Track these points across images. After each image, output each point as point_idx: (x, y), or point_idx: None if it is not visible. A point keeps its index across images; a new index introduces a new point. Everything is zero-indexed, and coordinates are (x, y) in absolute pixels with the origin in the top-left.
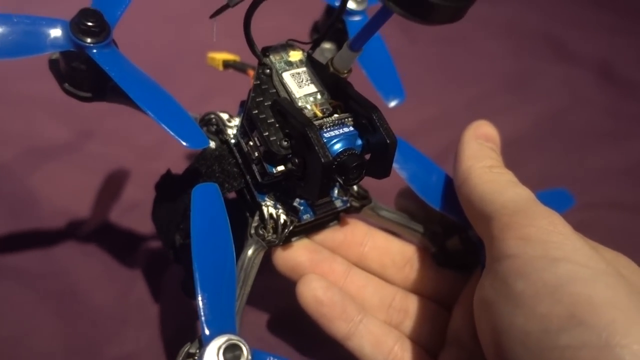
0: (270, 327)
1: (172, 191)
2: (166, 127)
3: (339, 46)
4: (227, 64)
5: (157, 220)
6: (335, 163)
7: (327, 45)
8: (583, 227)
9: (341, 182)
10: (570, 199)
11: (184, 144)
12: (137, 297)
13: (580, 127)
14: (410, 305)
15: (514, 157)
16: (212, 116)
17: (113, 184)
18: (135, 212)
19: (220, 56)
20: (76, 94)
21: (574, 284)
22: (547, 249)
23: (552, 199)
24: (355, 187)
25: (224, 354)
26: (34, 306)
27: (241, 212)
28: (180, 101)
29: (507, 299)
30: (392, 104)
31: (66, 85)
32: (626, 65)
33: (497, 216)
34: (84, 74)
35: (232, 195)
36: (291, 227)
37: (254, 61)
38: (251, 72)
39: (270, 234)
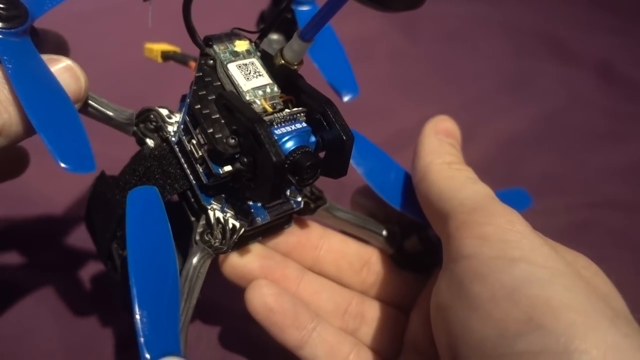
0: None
1: (107, 196)
2: (44, 139)
3: (288, 37)
4: (166, 56)
5: (90, 227)
6: (288, 162)
7: (274, 37)
8: (582, 227)
9: (294, 182)
10: (528, 199)
11: (62, 165)
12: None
13: (579, 127)
14: (367, 310)
15: (513, 157)
16: (151, 112)
17: None
18: None
19: (159, 47)
20: None
21: (531, 286)
22: (504, 249)
23: (510, 198)
24: (309, 187)
25: None
26: (34, 306)
27: (185, 216)
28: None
29: (463, 302)
30: (346, 98)
31: None
32: (625, 65)
33: (454, 214)
34: None
35: (174, 197)
36: (241, 232)
37: (196, 52)
38: (193, 64)
39: (217, 240)
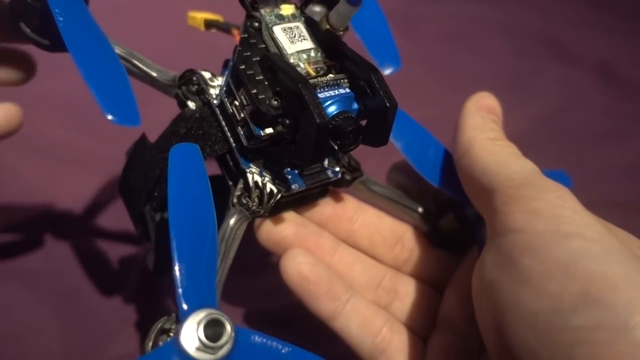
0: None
1: (145, 157)
2: (93, 90)
3: (329, 9)
4: (209, 24)
5: (125, 190)
6: (331, 126)
7: (316, 8)
8: None
9: (336, 147)
10: (568, 180)
11: (109, 116)
12: (138, 295)
13: (579, 127)
14: (400, 285)
15: None
16: (193, 74)
17: (113, 184)
18: None
19: (202, 15)
20: (35, 39)
21: (587, 260)
22: (557, 224)
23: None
24: (346, 158)
25: (204, 329)
26: (34, 306)
27: (221, 189)
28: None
29: (512, 276)
30: (387, 71)
31: (22, 25)
32: (625, 65)
33: (501, 189)
34: (36, 13)
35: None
36: (278, 197)
37: (238, 21)
38: (236, 32)
39: (254, 204)
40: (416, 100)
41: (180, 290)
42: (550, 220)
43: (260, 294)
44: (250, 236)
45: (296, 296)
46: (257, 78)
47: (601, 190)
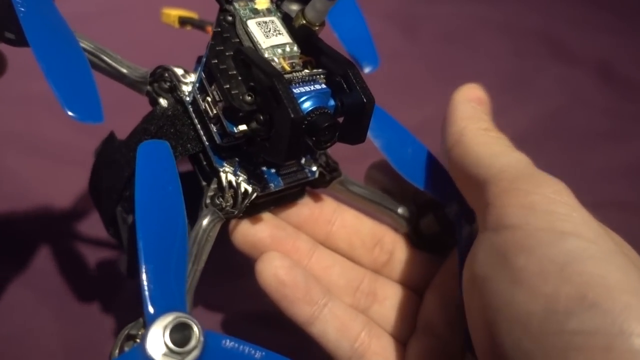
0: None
1: (115, 157)
2: (52, 86)
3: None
4: (183, 20)
5: (95, 191)
6: (306, 122)
7: (293, 7)
8: None
9: (312, 144)
10: None
11: (69, 113)
12: (137, 295)
13: (579, 127)
14: (379, 289)
15: None
16: (165, 71)
17: None
18: None
19: (176, 12)
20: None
21: (584, 262)
22: (552, 221)
23: None
24: (324, 158)
25: (170, 334)
26: (34, 306)
27: (193, 187)
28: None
29: (505, 274)
30: (366, 70)
31: None
32: (625, 65)
33: (494, 181)
34: (3, 6)
35: (181, 169)
36: (253, 197)
37: (212, 18)
38: (210, 29)
39: (228, 204)
40: (416, 100)
41: (146, 293)
42: (545, 217)
43: (244, 296)
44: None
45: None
46: (230, 73)
47: (601, 190)
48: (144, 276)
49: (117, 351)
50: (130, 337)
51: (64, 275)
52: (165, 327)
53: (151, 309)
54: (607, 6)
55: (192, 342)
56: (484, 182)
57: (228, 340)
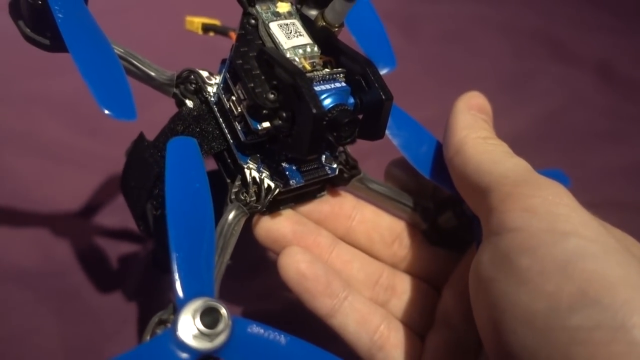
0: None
1: (144, 156)
2: (90, 86)
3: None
4: (206, 27)
5: (126, 188)
6: (327, 118)
7: (312, 12)
8: None
9: (332, 139)
10: (566, 180)
11: (105, 111)
12: (137, 295)
13: (579, 127)
14: (398, 283)
15: None
16: (191, 73)
17: (113, 184)
18: None
19: (199, 19)
20: (35, 39)
21: (585, 260)
22: (554, 222)
23: (550, 176)
24: (344, 156)
25: (201, 317)
26: (34, 306)
27: (219, 186)
28: None
29: (509, 275)
30: (383, 72)
31: (21, 24)
32: (625, 65)
33: (496, 187)
34: (38, 12)
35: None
36: (276, 192)
37: (234, 25)
38: (233, 35)
39: (252, 199)
40: (415, 100)
41: (177, 279)
42: (546, 218)
43: (259, 295)
44: (248, 238)
45: (295, 297)
46: (253, 72)
47: (600, 190)
48: (174, 264)
49: (149, 336)
50: (162, 322)
51: (64, 275)
52: (195, 311)
53: (181, 294)
54: (606, 6)
55: (221, 325)
56: (486, 188)
57: (255, 326)
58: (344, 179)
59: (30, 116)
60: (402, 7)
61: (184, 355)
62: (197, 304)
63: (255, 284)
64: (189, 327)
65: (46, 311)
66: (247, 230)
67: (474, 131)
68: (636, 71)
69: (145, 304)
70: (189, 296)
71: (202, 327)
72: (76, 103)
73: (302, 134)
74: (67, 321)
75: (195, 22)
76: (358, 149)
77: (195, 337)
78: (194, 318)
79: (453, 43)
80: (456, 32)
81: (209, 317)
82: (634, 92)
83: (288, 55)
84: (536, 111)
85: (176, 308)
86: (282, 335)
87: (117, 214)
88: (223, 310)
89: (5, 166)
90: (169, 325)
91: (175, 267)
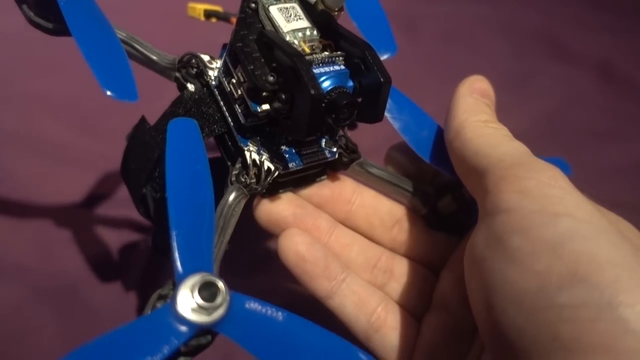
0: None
1: (145, 139)
2: (92, 68)
3: None
4: (209, 13)
5: (126, 172)
6: (326, 100)
7: None
8: None
9: (331, 121)
10: (567, 168)
11: (107, 92)
12: (137, 295)
13: (579, 127)
14: (396, 266)
15: None
16: (193, 57)
17: (113, 183)
18: (136, 211)
19: (202, 6)
20: (38, 23)
21: (575, 240)
22: (546, 204)
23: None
24: (344, 140)
25: (199, 292)
26: (33, 306)
27: (219, 171)
28: None
29: (501, 255)
30: (384, 57)
31: (25, 7)
32: (625, 64)
33: (492, 169)
34: None
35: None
36: (275, 174)
37: (235, 12)
38: (234, 21)
39: (252, 181)
40: (415, 100)
41: (176, 255)
42: (539, 200)
43: (262, 291)
44: (249, 238)
45: (298, 293)
46: (253, 55)
47: (601, 190)
48: (174, 241)
49: (149, 310)
50: (161, 297)
51: (64, 275)
52: (193, 285)
53: (180, 269)
54: (606, 6)
55: (219, 299)
56: (483, 171)
57: (252, 302)
58: (343, 163)
59: (30, 116)
60: (402, 7)
61: (183, 328)
62: (195, 279)
63: (258, 282)
64: (187, 300)
65: (46, 310)
66: (249, 229)
67: (475, 114)
68: (636, 71)
69: (146, 303)
70: (188, 271)
71: (200, 301)
72: (76, 103)
73: (301, 115)
74: (67, 320)
75: (198, 8)
76: (363, 146)
77: (193, 310)
78: (192, 292)
79: (453, 43)
80: (456, 32)
81: (207, 291)
82: (634, 92)
83: (287, 38)
84: (536, 111)
85: (175, 283)
86: (280, 312)
87: (117, 213)
88: (221, 285)
89: (5, 166)
90: (168, 300)
91: (174, 244)
